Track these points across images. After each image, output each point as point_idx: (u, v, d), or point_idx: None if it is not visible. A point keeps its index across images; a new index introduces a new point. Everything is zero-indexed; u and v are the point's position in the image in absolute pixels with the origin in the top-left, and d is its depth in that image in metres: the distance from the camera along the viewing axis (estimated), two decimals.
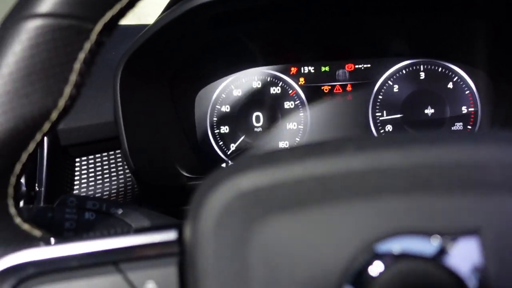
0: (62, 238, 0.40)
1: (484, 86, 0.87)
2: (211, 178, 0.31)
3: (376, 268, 0.28)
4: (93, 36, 0.34)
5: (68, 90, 0.33)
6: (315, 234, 0.28)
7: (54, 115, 0.33)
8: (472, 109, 0.87)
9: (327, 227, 0.28)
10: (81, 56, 0.33)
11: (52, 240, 0.36)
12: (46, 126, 0.34)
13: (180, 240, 0.33)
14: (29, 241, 0.34)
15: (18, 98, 0.32)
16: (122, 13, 0.35)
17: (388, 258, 0.27)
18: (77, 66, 0.33)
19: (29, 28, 0.32)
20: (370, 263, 0.28)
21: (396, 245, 0.28)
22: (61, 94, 0.33)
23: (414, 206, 0.28)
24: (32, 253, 0.33)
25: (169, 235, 0.34)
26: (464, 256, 0.27)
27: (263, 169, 0.29)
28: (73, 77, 0.33)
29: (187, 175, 0.82)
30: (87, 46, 0.34)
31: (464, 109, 0.87)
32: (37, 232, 0.35)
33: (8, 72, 0.32)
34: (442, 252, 0.27)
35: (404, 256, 0.27)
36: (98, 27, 0.34)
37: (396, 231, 0.28)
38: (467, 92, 0.87)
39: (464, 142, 0.28)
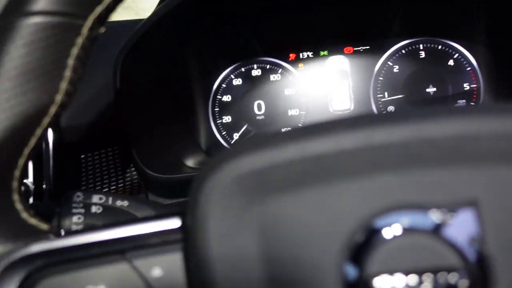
0: (70, 230, 0.40)
1: (485, 61, 0.86)
2: (208, 164, 0.31)
3: (376, 243, 0.28)
4: (85, 31, 0.34)
5: (63, 85, 0.34)
6: (313, 214, 0.29)
7: (52, 111, 0.34)
8: (475, 85, 0.87)
9: (324, 206, 0.29)
10: (74, 51, 0.34)
11: (60, 232, 0.37)
12: (46, 122, 0.34)
13: (183, 227, 0.34)
14: (36, 235, 0.35)
15: (15, 96, 0.33)
16: (112, 7, 0.35)
17: (387, 233, 0.28)
18: (70, 62, 0.34)
19: (21, 27, 0.33)
20: (369, 239, 0.28)
21: (394, 220, 0.28)
22: (57, 90, 0.34)
23: (411, 180, 0.28)
24: (40, 245, 0.34)
25: (173, 223, 0.35)
26: (462, 228, 0.27)
27: (259, 151, 0.30)
28: (68, 73, 0.34)
29: (193, 166, 0.82)
30: (79, 41, 0.34)
31: (466, 86, 0.87)
32: (44, 226, 0.36)
33: (3, 71, 0.32)
34: (440, 225, 0.28)
35: (403, 230, 0.28)
36: (89, 22, 0.34)
37: (394, 206, 0.28)
38: (468, 68, 0.87)
39: (458, 114, 0.28)
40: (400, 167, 0.28)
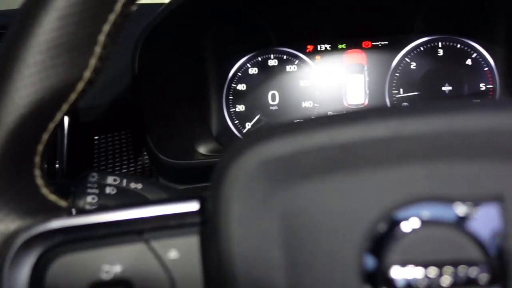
0: (87, 209, 0.41)
1: (503, 62, 0.85)
2: (234, 146, 0.31)
3: (397, 234, 0.28)
4: (118, 8, 0.34)
5: (93, 62, 0.34)
6: (336, 201, 0.28)
7: (79, 87, 0.34)
8: (491, 86, 0.86)
9: (349, 195, 0.28)
10: (106, 28, 0.34)
11: (78, 210, 0.37)
12: (72, 97, 0.34)
13: (202, 211, 0.34)
14: (55, 211, 0.35)
15: (45, 70, 0.32)
16: None
17: (409, 224, 0.28)
18: (101, 38, 0.34)
19: (56, 0, 0.32)
20: (391, 230, 0.28)
21: (418, 212, 0.28)
22: (86, 66, 0.34)
23: (436, 172, 0.28)
24: (59, 222, 0.34)
25: (191, 206, 0.35)
26: (486, 222, 0.27)
27: (285, 137, 0.29)
28: (98, 49, 0.34)
29: (203, 153, 0.82)
30: (112, 18, 0.34)
31: (482, 86, 0.86)
32: (63, 203, 0.36)
33: (35, 44, 0.32)
34: (463, 218, 0.27)
35: (425, 222, 0.28)
36: None
37: (418, 198, 0.28)
38: (485, 69, 0.86)
39: (487, 108, 0.28)
40: (427, 159, 0.28)
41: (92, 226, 0.34)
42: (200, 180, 0.74)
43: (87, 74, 0.34)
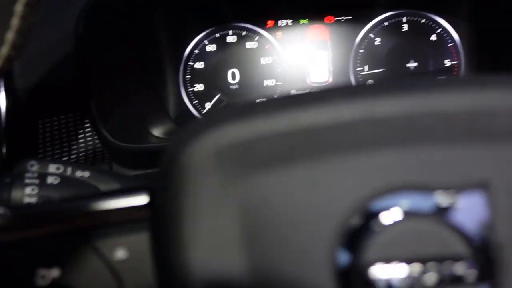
0: (21, 203, 0.36)
1: (467, 38, 0.84)
2: (183, 133, 0.27)
3: (373, 228, 0.25)
4: None
5: (10, 36, 0.29)
6: (303, 193, 0.25)
7: None
8: (456, 61, 0.85)
9: (316, 185, 0.25)
10: (18, 9, 0.28)
11: (6, 209, 0.32)
12: None
13: (152, 204, 0.30)
14: None
15: None
16: None
17: (386, 217, 0.25)
18: (19, 8, 0.28)
19: None
20: (366, 224, 0.25)
21: (395, 203, 0.25)
22: (1, 41, 0.28)
23: (415, 158, 0.25)
24: None
25: (141, 199, 0.31)
26: (470, 211, 0.24)
27: (244, 121, 0.26)
28: (15, 22, 0.29)
29: (160, 136, 0.78)
30: None
31: (447, 62, 0.85)
32: None
33: None
34: (446, 208, 0.25)
35: (404, 214, 0.25)
36: None
37: (395, 187, 0.25)
38: (450, 44, 0.85)
39: (469, 86, 0.25)
40: (403, 143, 0.25)
41: (23, 226, 0.29)
42: (156, 165, 0.69)
43: (4, 50, 0.28)
